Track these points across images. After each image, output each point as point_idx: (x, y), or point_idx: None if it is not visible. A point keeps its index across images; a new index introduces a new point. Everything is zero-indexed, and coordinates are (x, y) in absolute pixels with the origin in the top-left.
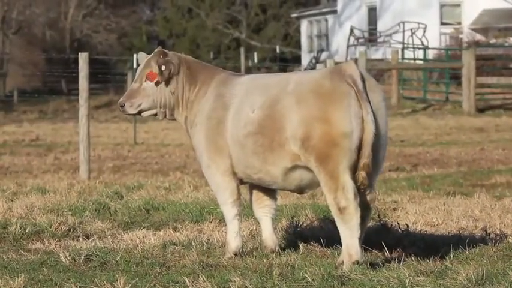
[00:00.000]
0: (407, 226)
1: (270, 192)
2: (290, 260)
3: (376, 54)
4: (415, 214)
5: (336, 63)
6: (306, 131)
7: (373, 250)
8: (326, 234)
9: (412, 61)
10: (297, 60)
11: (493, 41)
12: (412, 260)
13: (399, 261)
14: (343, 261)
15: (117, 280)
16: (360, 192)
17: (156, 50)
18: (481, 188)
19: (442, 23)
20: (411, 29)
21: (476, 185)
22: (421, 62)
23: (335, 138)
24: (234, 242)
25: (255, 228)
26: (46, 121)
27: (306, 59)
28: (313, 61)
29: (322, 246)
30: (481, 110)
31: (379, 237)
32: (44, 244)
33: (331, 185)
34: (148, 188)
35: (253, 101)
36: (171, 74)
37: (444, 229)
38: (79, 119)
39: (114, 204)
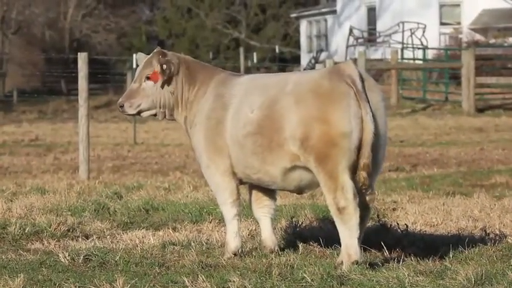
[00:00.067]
0: (407, 226)
1: (269, 192)
2: (289, 260)
3: (376, 54)
4: (415, 214)
5: (335, 63)
6: (305, 131)
7: (373, 250)
8: (325, 234)
9: (411, 61)
10: (296, 60)
11: (492, 41)
12: (411, 260)
13: (398, 261)
14: (342, 261)
15: (116, 280)
16: (361, 192)
17: (155, 50)
18: (481, 188)
19: (442, 23)
20: (410, 29)
21: (476, 185)
22: (421, 62)
23: (334, 138)
24: (233, 242)
25: (254, 228)
26: (45, 121)
27: (305, 59)
28: (313, 61)
29: (321, 246)
30: (480, 110)
31: (379, 237)
32: (43, 244)
33: (331, 185)
34: (147, 188)
35: (253, 101)
36: (171, 74)
37: (443, 229)
38: (78, 119)
39: (114, 204)
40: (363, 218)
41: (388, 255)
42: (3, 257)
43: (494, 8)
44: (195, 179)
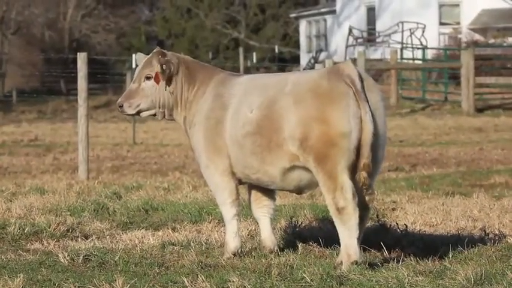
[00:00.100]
0: (406, 226)
1: (268, 192)
2: (289, 260)
3: (375, 54)
4: (414, 214)
5: (335, 63)
6: (304, 131)
7: (372, 250)
8: (325, 234)
9: (410, 61)
10: (296, 60)
11: (491, 41)
12: (410, 260)
13: (398, 261)
14: (341, 261)
15: (115, 280)
16: (362, 192)
17: (154, 50)
18: (480, 188)
19: (441, 23)
20: (410, 29)
21: (475, 185)
22: (420, 62)
23: (333, 138)
24: (232, 242)
25: (253, 228)
26: (45, 121)
27: (304, 59)
28: (312, 61)
29: (321, 246)
30: (479, 110)
31: (378, 237)
32: (42, 244)
33: (330, 185)
34: (147, 188)
35: (252, 101)
36: (170, 74)
37: (443, 229)
38: (78, 119)
39: (113, 204)
40: (362, 218)
41: (388, 255)
42: (2, 257)
43: (494, 8)
44: (195, 179)
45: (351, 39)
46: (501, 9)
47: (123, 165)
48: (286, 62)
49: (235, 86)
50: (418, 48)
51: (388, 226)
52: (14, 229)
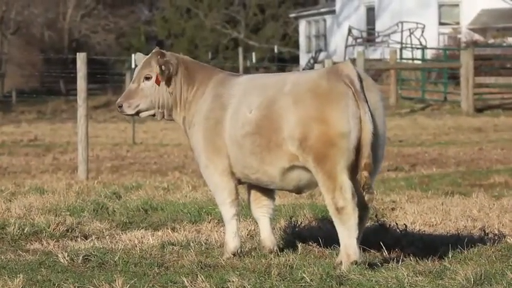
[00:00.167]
0: (406, 226)
1: (268, 192)
2: (288, 260)
3: (375, 54)
4: (414, 214)
5: (334, 63)
6: (303, 131)
7: (372, 250)
8: (324, 234)
9: (410, 61)
10: (295, 60)
11: (491, 41)
12: (410, 260)
13: (397, 261)
14: (341, 261)
15: (115, 280)
16: (362, 192)
17: (153, 51)
18: (480, 187)
19: (441, 23)
20: (409, 29)
21: (475, 185)
22: (419, 62)
23: (333, 138)
24: (232, 242)
25: (253, 228)
26: (44, 121)
27: (304, 59)
28: (312, 61)
29: (320, 246)
30: (479, 110)
31: (378, 237)
32: (42, 244)
33: (329, 185)
34: (146, 188)
35: (251, 101)
36: (169, 75)
37: (442, 229)
38: (77, 119)
39: (113, 204)
40: (361, 218)
41: (387, 255)
42: (2, 257)
43: (493, 8)
44: (194, 179)
45: (350, 39)
46: (501, 9)
47: (123, 165)
48: (286, 62)
49: (235, 86)
50: (418, 48)
51: (388, 226)
52: (13, 229)
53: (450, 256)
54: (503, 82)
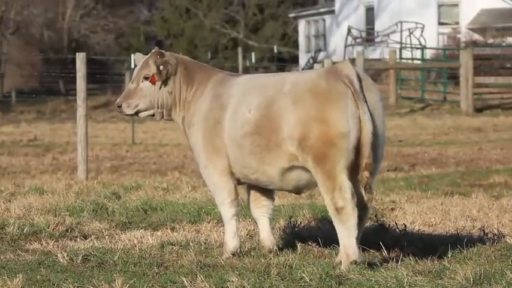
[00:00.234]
0: (405, 226)
1: (267, 192)
2: (288, 260)
3: (374, 54)
4: (413, 214)
5: (334, 63)
6: (302, 131)
7: (371, 250)
8: (324, 234)
9: (409, 61)
10: (295, 60)
11: (490, 40)
12: (410, 259)
13: (397, 261)
14: (341, 261)
15: (115, 280)
16: (361, 192)
17: (152, 51)
18: (479, 187)
19: (440, 23)
20: (409, 29)
21: (474, 185)
22: (419, 61)
23: (332, 138)
24: (231, 242)
25: (252, 228)
26: (44, 121)
27: (303, 59)
28: (311, 61)
29: (320, 246)
30: (478, 110)
31: (377, 237)
32: (41, 244)
33: (329, 185)
34: (146, 188)
35: (250, 101)
36: (169, 75)
37: (442, 229)
38: (77, 119)
39: (112, 204)
40: (361, 218)
41: (387, 255)
42: (1, 257)
43: (493, 7)
44: (194, 179)
45: (349, 39)
46: (500, 9)
47: (122, 165)
48: (285, 61)
49: (234, 86)
50: (417, 48)
51: (387, 226)
52: (13, 229)
53: (449, 256)
54: (503, 82)
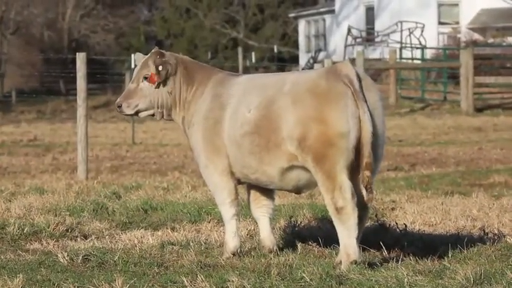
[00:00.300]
0: (406, 226)
1: (267, 192)
2: (288, 260)
3: (374, 53)
4: (413, 214)
5: (334, 63)
6: (302, 131)
7: (371, 250)
8: (324, 234)
9: (410, 61)
10: (295, 60)
11: (490, 40)
12: (410, 259)
13: (397, 261)
14: (341, 261)
15: (115, 280)
16: (366, 191)
17: (152, 51)
18: (479, 187)
19: (440, 23)
20: (409, 29)
21: (474, 185)
22: (419, 61)
23: (332, 138)
24: (232, 242)
25: (253, 228)
26: (44, 121)
27: (303, 58)
28: (311, 61)
29: (320, 246)
30: (479, 110)
31: (377, 237)
32: (42, 244)
33: (329, 185)
34: (146, 188)
35: (250, 101)
36: (168, 75)
37: (442, 229)
38: (77, 119)
39: (112, 204)
40: (361, 218)
41: (387, 255)
42: (2, 257)
43: (493, 7)
44: (194, 178)
45: (349, 38)
46: (500, 9)
47: (123, 165)
48: (285, 61)
49: (234, 86)
50: (417, 48)
51: (388, 226)
52: (13, 229)
53: (450, 256)
54: (503, 82)
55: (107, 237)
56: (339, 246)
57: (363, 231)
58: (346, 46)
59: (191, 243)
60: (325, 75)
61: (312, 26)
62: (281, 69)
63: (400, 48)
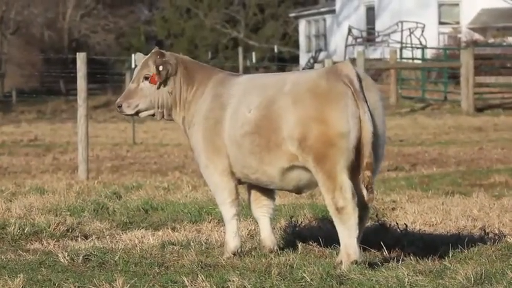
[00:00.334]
0: (406, 226)
1: (268, 192)
2: (289, 260)
3: (375, 53)
4: (414, 214)
5: (334, 63)
6: (302, 131)
7: (372, 250)
8: (324, 234)
9: (410, 61)
10: (295, 60)
11: (491, 40)
12: (410, 259)
13: (398, 261)
14: (341, 261)
15: (115, 280)
16: (367, 191)
17: (153, 51)
18: (480, 187)
19: (440, 23)
20: (409, 29)
21: (475, 185)
22: (420, 61)
23: (332, 138)
24: (232, 242)
25: (253, 228)
26: (44, 121)
27: (304, 58)
28: (312, 61)
29: (320, 245)
30: (479, 110)
31: (378, 237)
32: (42, 244)
33: (329, 185)
34: (146, 188)
35: (250, 101)
36: (169, 75)
37: (443, 229)
38: (77, 119)
39: (113, 204)
40: (361, 218)
41: (388, 255)
42: (2, 257)
43: (493, 7)
44: (194, 178)
45: (350, 38)
46: (501, 9)
47: (123, 165)
48: (286, 61)
49: (234, 86)
50: (418, 48)
51: (388, 226)
52: (13, 229)
53: (450, 255)
54: (504, 81)
55: (108, 237)
56: (339, 246)
57: (363, 231)
58: (346, 46)
59: (192, 243)
60: (325, 75)
61: (312, 26)
62: (281, 69)
63: (401, 48)
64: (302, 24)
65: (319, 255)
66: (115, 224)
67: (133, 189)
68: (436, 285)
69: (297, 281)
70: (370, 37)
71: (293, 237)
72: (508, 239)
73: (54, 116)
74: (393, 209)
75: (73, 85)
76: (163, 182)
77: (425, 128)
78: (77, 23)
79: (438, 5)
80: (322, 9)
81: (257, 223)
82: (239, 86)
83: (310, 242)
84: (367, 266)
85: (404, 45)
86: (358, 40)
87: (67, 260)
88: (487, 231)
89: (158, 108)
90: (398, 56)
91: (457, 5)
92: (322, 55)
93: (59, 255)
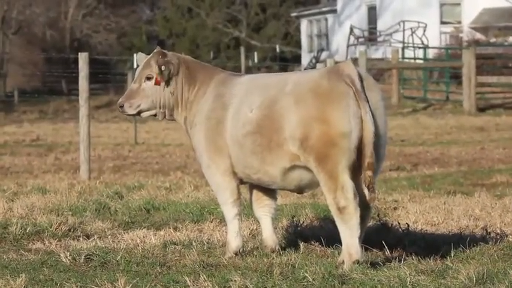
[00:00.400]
0: (408, 225)
1: (270, 191)
2: (290, 260)
3: (376, 53)
4: (416, 213)
5: (336, 63)
6: (304, 131)
7: (374, 249)
8: (326, 234)
9: (412, 60)
10: (297, 59)
11: (493, 40)
12: (412, 259)
13: (400, 261)
14: (343, 261)
15: (117, 280)
16: (368, 191)
17: (155, 51)
18: (482, 187)
19: (442, 22)
20: (411, 28)
21: (477, 184)
22: (421, 61)
23: (334, 138)
24: (234, 242)
25: (255, 227)
26: (46, 121)
27: (306, 58)
28: (314, 61)
29: (322, 245)
30: (481, 109)
31: (380, 237)
32: (44, 244)
33: (331, 184)
34: (148, 188)
35: (252, 101)
36: (171, 75)
37: (445, 228)
38: (79, 119)
39: (115, 204)
40: (363, 218)
41: (389, 255)
42: (4, 256)
43: (495, 7)
44: (196, 178)
45: (352, 38)
46: (502, 8)
47: (125, 165)
48: (288, 61)
49: (236, 86)
50: (420, 48)
51: (390, 225)
52: (15, 229)
53: (452, 255)
54: (506, 81)
55: (109, 237)
56: (341, 245)
57: (365, 230)
58: (348, 46)
59: (193, 243)
60: (327, 75)
61: (314, 25)
62: (283, 69)
63: (403, 48)
64: (304, 24)
65: (321, 255)
66: (117, 223)
67: (135, 189)
68: (438, 285)
69: (299, 281)
70: (372, 37)
71: (295, 236)
72: (510, 239)
73: (56, 116)
74: (395, 208)
75: (75, 85)
76: (165, 182)
77: (427, 128)
78: (78, 22)
79: (440, 4)
80: (324, 9)
81: (259, 223)
82: (241, 85)
83: (312, 242)
84: (369, 265)
85: (406, 44)
86: (360, 40)
87: (69, 259)
88: (489, 230)
89: (160, 108)
90: (400, 56)
91: (458, 4)
92: (324, 55)
93: (61, 255)
